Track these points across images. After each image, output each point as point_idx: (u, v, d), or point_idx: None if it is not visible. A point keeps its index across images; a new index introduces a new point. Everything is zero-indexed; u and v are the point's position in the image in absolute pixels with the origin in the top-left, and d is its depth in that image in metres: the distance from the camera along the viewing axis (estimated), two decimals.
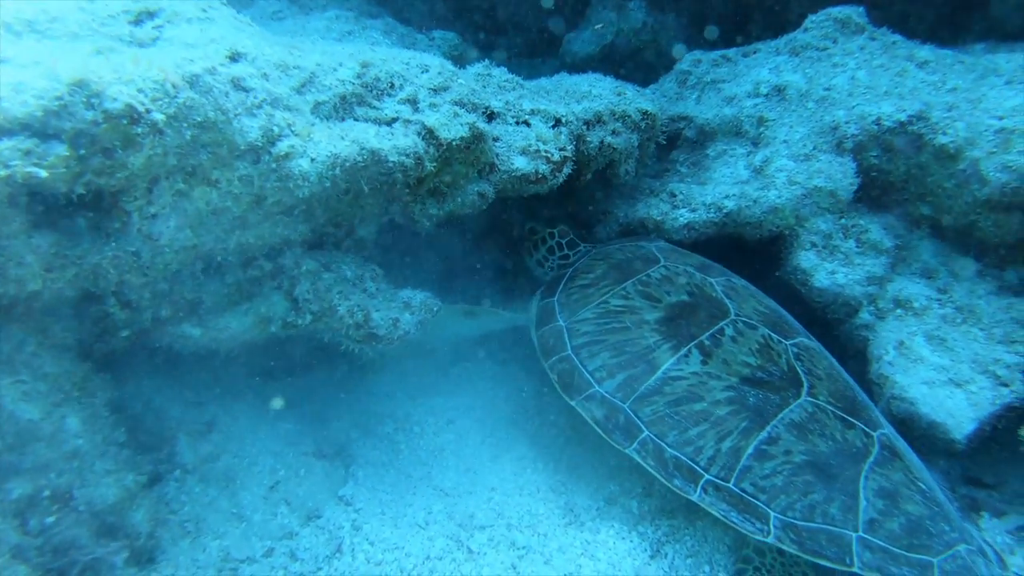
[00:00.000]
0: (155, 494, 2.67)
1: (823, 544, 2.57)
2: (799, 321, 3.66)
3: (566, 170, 3.49)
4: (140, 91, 2.06)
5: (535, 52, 6.76)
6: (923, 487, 2.74)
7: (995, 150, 3.34)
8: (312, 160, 2.46)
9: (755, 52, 4.54)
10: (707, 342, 3.09)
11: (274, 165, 2.45)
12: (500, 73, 3.76)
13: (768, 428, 2.80)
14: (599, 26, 5.73)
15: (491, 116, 3.45)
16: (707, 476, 2.76)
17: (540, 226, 4.08)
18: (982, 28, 5.02)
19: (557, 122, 3.53)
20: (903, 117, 3.57)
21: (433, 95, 3.02)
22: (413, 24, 6.11)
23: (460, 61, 5.46)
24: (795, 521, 2.62)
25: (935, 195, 3.62)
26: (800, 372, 3.01)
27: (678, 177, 4.30)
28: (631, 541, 2.89)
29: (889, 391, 3.30)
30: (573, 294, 3.52)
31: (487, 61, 3.78)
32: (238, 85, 2.40)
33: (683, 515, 3.06)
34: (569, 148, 3.47)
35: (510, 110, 3.52)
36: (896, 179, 3.74)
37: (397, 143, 2.73)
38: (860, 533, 2.57)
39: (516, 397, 3.85)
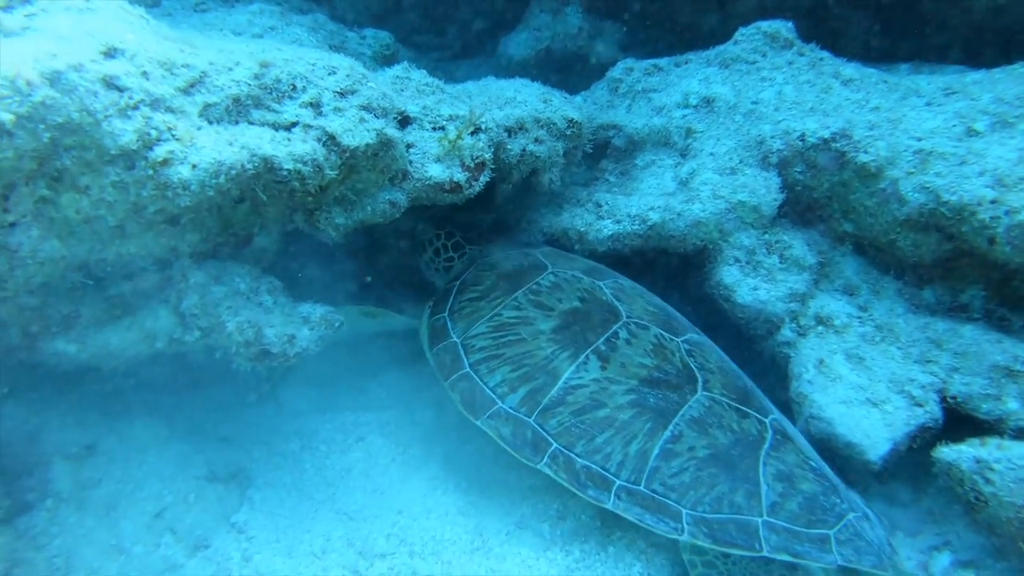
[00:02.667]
0: (16, 528, 2.46)
1: (733, 534, 2.68)
2: (726, 336, 3.63)
3: (483, 178, 3.39)
4: None
5: (473, 53, 6.65)
6: (814, 465, 2.92)
7: (913, 170, 3.35)
8: (194, 167, 2.30)
9: (687, 62, 4.50)
10: (603, 347, 3.12)
11: (151, 172, 2.28)
12: (420, 76, 3.63)
13: (671, 427, 2.88)
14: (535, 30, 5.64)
15: (406, 121, 3.32)
16: (618, 482, 2.80)
17: (428, 227, 4.03)
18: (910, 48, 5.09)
19: (476, 129, 3.42)
20: (827, 134, 3.56)
21: (339, 99, 2.87)
22: (347, 22, 5.94)
23: (392, 61, 5.33)
24: (705, 515, 2.71)
25: (857, 213, 3.62)
26: (694, 368, 3.10)
27: (606, 186, 4.23)
28: (538, 570, 2.79)
29: (808, 410, 3.28)
30: (464, 308, 3.47)
31: (406, 63, 3.65)
32: (111, 84, 2.22)
33: (595, 540, 2.98)
34: (487, 155, 3.36)
35: (427, 115, 3.39)
36: (820, 195, 3.73)
37: (293, 149, 2.58)
38: (765, 517, 2.71)
39: (432, 413, 3.72)
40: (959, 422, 3.15)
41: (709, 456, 2.83)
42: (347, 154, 2.77)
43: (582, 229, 3.91)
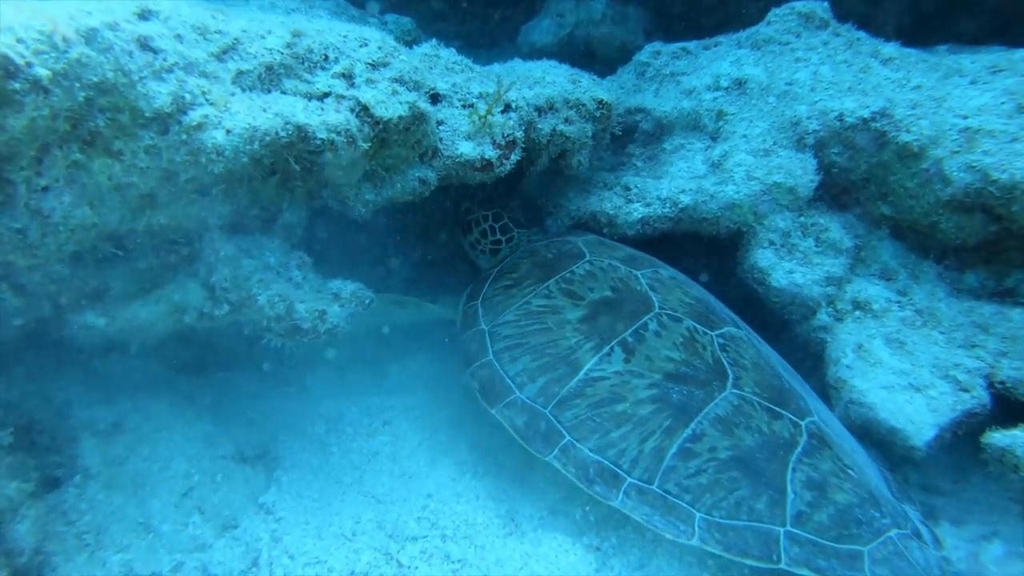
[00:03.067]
0: (47, 503, 2.40)
1: (749, 542, 2.51)
2: (756, 321, 3.55)
3: (514, 157, 3.32)
4: (20, 41, 1.82)
5: (496, 42, 6.59)
6: (852, 474, 2.68)
7: (959, 150, 3.26)
8: (228, 132, 2.24)
9: (716, 45, 4.42)
10: (630, 339, 2.99)
11: (184, 136, 2.22)
12: (448, 54, 3.57)
13: (692, 425, 2.73)
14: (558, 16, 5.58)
15: (436, 98, 3.25)
16: (629, 479, 2.66)
17: (475, 206, 3.93)
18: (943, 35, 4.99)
19: (507, 107, 3.35)
20: (866, 113, 3.48)
21: (371, 70, 2.81)
22: (368, 8, 5.89)
23: (414, 47, 5.27)
24: (720, 520, 2.55)
25: (897, 195, 3.54)
26: (726, 364, 2.93)
27: (634, 171, 4.15)
28: (575, 554, 2.72)
29: (847, 395, 3.19)
30: (496, 296, 3.39)
31: (434, 41, 3.59)
32: (145, 45, 2.17)
33: (632, 524, 2.90)
34: (518, 134, 3.30)
35: (456, 92, 3.33)
36: (857, 177, 3.65)
37: (327, 119, 2.52)
38: (788, 527, 2.52)
39: (458, 396, 3.65)
40: (1008, 409, 3.06)
41: (732, 458, 2.65)
42: (380, 126, 2.71)
43: (611, 213, 3.83)
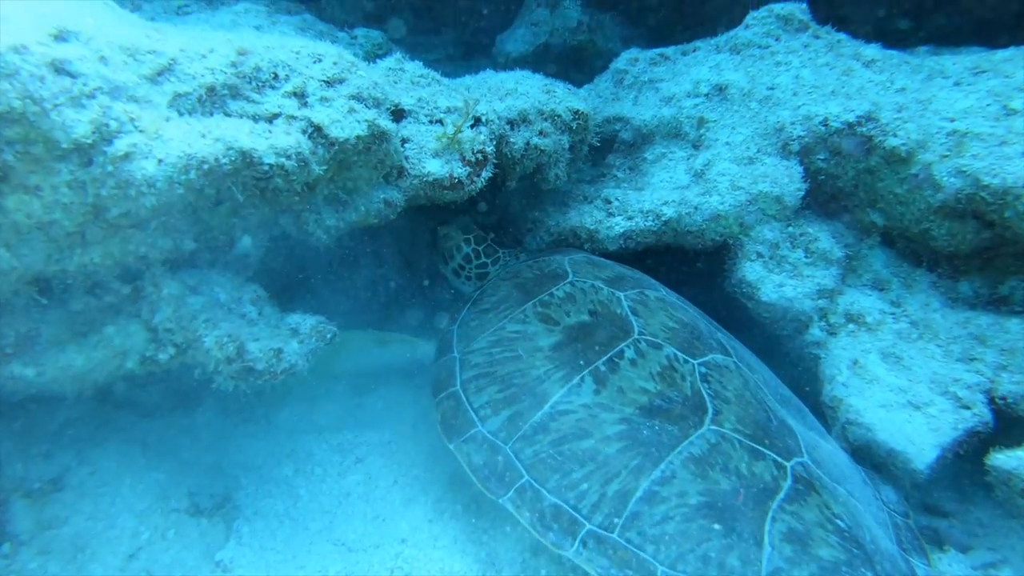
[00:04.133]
0: None
1: None
2: (746, 336, 3.33)
3: (485, 174, 3.08)
4: None
5: (470, 54, 6.36)
6: (842, 525, 2.36)
7: (948, 153, 3.05)
8: (160, 162, 1.99)
9: (695, 50, 4.21)
10: (603, 368, 2.70)
11: (110, 168, 1.96)
12: (414, 67, 3.33)
13: (662, 466, 2.41)
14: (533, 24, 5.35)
15: (400, 114, 3.02)
16: (588, 526, 2.36)
17: (454, 231, 3.67)
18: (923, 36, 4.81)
19: (477, 121, 3.11)
20: (851, 118, 3.26)
21: (326, 88, 2.56)
22: (337, 22, 5.65)
23: None
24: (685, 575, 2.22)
25: (886, 201, 3.32)
26: (705, 396, 2.61)
27: (614, 182, 3.93)
28: None
29: (844, 415, 2.97)
30: (472, 320, 3.13)
31: (399, 54, 3.35)
32: (60, 69, 1.91)
33: None
34: (489, 149, 3.06)
35: (423, 108, 3.09)
36: (845, 184, 3.43)
37: (275, 142, 2.27)
38: None
39: (435, 427, 3.39)
40: (1009, 425, 2.85)
41: (703, 504, 2.32)
42: (336, 147, 2.46)
43: (591, 227, 3.60)
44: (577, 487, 2.42)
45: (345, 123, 2.49)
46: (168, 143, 2.02)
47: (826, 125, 3.32)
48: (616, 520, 2.34)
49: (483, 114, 3.13)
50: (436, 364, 3.00)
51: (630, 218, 3.56)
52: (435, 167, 2.93)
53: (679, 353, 2.76)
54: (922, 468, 2.77)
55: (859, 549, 2.31)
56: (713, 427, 2.51)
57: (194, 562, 2.46)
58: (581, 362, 2.73)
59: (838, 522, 2.36)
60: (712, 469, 2.40)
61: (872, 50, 3.66)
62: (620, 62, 4.36)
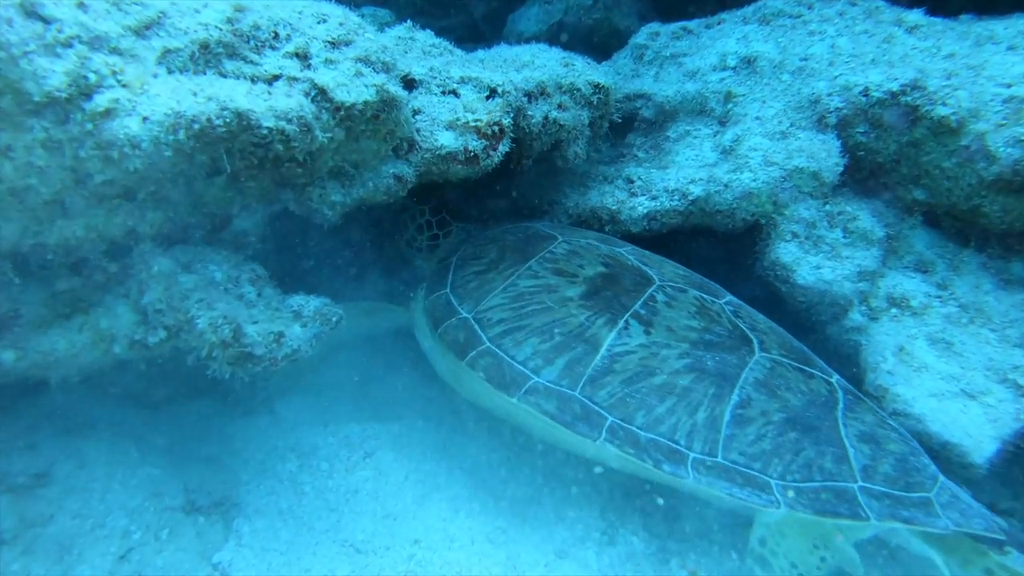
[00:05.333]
0: None
1: (833, 503, 2.32)
2: (782, 325, 3.10)
3: (502, 148, 2.85)
4: None
5: (479, 35, 6.13)
6: (893, 424, 2.59)
7: (1004, 122, 2.80)
8: (145, 120, 1.77)
9: (719, 23, 3.97)
10: (642, 311, 2.73)
11: (90, 126, 1.75)
12: (425, 36, 3.11)
13: (737, 390, 2.52)
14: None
15: (411, 84, 2.80)
16: (692, 454, 2.41)
17: (411, 202, 3.49)
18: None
19: (492, 92, 2.89)
20: (894, 86, 3.01)
21: (330, 49, 2.34)
22: (343, 0, 5.43)
23: None
24: (798, 484, 2.35)
25: (931, 177, 3.07)
26: (745, 329, 2.74)
27: (635, 162, 3.69)
28: None
29: (891, 405, 2.73)
30: (469, 283, 2.97)
31: (409, 23, 3.13)
32: (32, 12, 1.70)
33: (650, 567, 2.43)
34: (506, 121, 2.83)
35: (435, 78, 2.87)
36: (885, 159, 3.18)
37: (275, 104, 2.05)
38: (860, 483, 2.36)
39: (449, 417, 3.19)
40: None
41: (785, 420, 2.46)
42: (341, 113, 2.24)
43: (613, 208, 3.37)
44: (666, 420, 2.44)
45: (352, 87, 2.27)
46: (155, 100, 1.80)
47: (867, 95, 3.07)
48: (715, 445, 2.40)
49: (499, 85, 2.90)
50: (446, 327, 2.79)
51: (654, 198, 3.32)
52: (448, 140, 2.71)
53: (703, 295, 2.85)
54: (980, 462, 2.54)
55: (912, 442, 2.52)
56: (763, 354, 2.64)
57: (189, 564, 2.24)
58: (618, 307, 2.71)
59: (890, 422, 2.58)
60: (779, 389, 2.53)
61: (915, 15, 3.40)
62: (640, 37, 4.12)
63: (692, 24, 4.04)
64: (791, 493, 2.32)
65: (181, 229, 2.27)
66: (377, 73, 2.40)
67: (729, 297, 2.92)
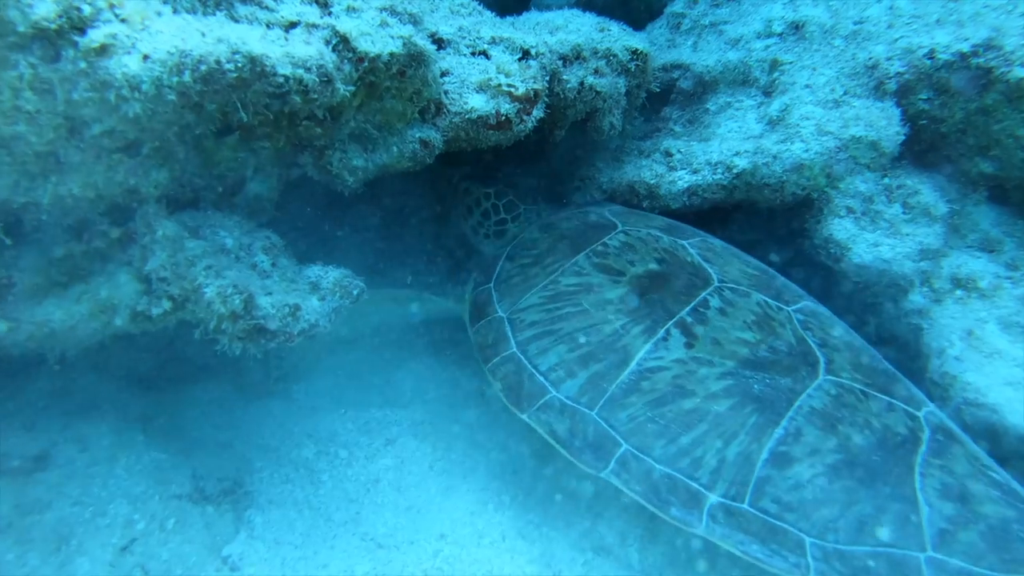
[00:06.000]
0: None
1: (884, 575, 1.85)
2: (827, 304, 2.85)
3: (536, 113, 2.62)
4: None
5: (505, 7, 5.88)
6: (997, 477, 2.06)
7: None
8: (146, 58, 1.55)
9: None
10: (689, 319, 2.36)
11: (83, 64, 1.54)
12: None
13: (784, 422, 2.09)
14: None
15: (439, 44, 2.58)
16: (713, 497, 2.02)
17: (475, 185, 3.24)
18: None
19: (525, 54, 2.66)
20: (965, 47, 2.75)
21: None
22: None
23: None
24: (840, 546, 1.90)
25: (1003, 147, 2.81)
26: (812, 344, 2.30)
27: (672, 137, 3.44)
28: None
29: (960, 395, 2.48)
30: (513, 276, 2.72)
31: None
32: None
33: (706, 561, 2.20)
34: (541, 83, 2.60)
35: (464, 38, 2.65)
36: (950, 129, 2.92)
37: (293, 50, 1.83)
38: (929, 552, 1.87)
39: (475, 404, 2.97)
40: None
41: (841, 462, 2.01)
42: (365, 64, 2.02)
43: (652, 182, 3.13)
44: (690, 453, 2.08)
45: (376, 37, 2.05)
46: (157, 37, 1.59)
47: (932, 58, 2.81)
48: (744, 488, 2.01)
49: (533, 46, 2.67)
50: (478, 327, 2.57)
51: (695, 171, 3.08)
52: (479, 102, 2.48)
53: (769, 300, 2.45)
54: None
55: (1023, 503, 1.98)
56: (829, 377, 2.20)
57: (197, 557, 2.04)
58: (661, 313, 2.37)
59: (992, 474, 2.05)
60: (840, 423, 2.08)
61: None
62: (676, 5, 3.86)
63: None
64: (828, 557, 1.88)
65: (189, 192, 2.06)
66: (404, 24, 2.18)
67: (803, 303, 2.51)
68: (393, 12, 2.17)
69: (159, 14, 1.69)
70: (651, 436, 2.11)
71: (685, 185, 3.07)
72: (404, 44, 2.11)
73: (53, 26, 1.48)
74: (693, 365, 2.23)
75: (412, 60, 2.16)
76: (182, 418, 2.50)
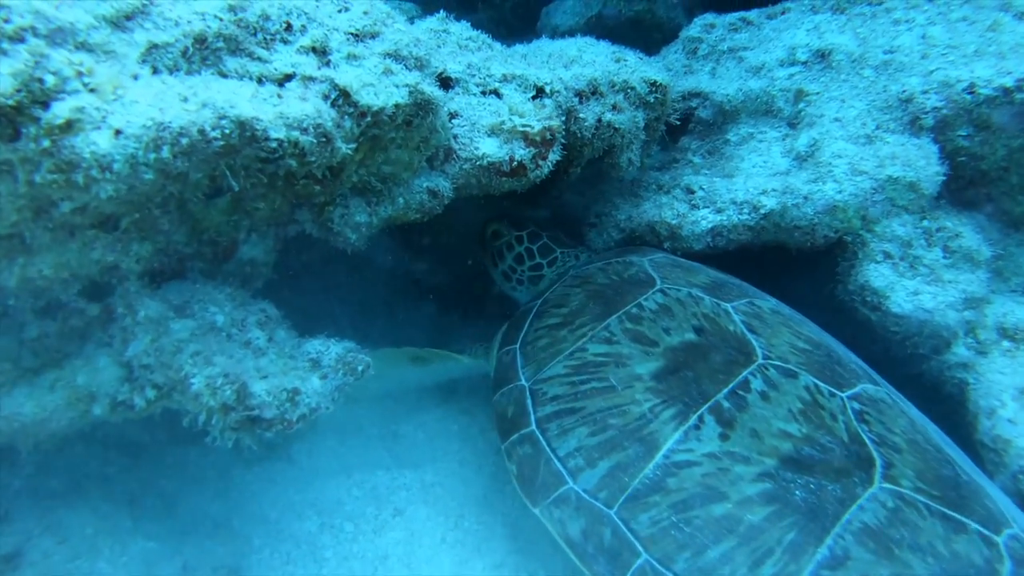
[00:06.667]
0: None
1: None
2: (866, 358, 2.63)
3: (552, 157, 2.42)
4: None
5: (511, 31, 5.68)
6: None
7: None
8: (118, 134, 1.34)
9: (784, 12, 3.48)
10: (726, 404, 2.05)
11: (47, 143, 1.33)
12: (461, 29, 2.68)
13: (829, 540, 1.77)
14: None
15: (447, 84, 2.37)
16: None
17: (505, 228, 3.01)
18: None
19: (539, 92, 2.45)
20: (1008, 82, 2.53)
21: (354, 43, 1.92)
22: None
23: None
24: None
25: None
26: (868, 442, 1.95)
27: (691, 169, 3.23)
28: None
29: (1016, 462, 2.26)
30: (541, 338, 2.46)
31: (443, 13, 2.69)
32: None
33: None
34: (557, 124, 2.39)
35: (473, 76, 2.44)
36: (991, 166, 2.71)
37: (287, 110, 1.62)
38: None
39: (491, 463, 2.76)
40: None
41: None
42: (368, 119, 1.81)
43: (673, 223, 2.91)
44: (716, 572, 1.77)
45: (380, 87, 1.84)
46: (131, 108, 1.38)
47: (972, 93, 2.59)
48: None
49: (547, 83, 2.46)
50: (499, 395, 2.34)
51: (719, 211, 2.87)
52: (491, 148, 2.27)
53: (820, 383, 2.09)
54: None
55: None
56: (887, 485, 1.85)
57: None
58: (695, 395, 2.07)
59: None
60: (898, 546, 1.73)
61: None
62: (693, 29, 3.64)
63: (752, 14, 3.56)
64: None
65: (175, 261, 1.85)
66: (409, 71, 1.97)
67: (861, 387, 2.13)
68: (397, 57, 1.96)
69: (135, 78, 1.48)
70: (674, 546, 1.84)
71: (709, 226, 2.87)
72: (410, 93, 1.90)
73: (11, 102, 1.27)
74: (727, 461, 1.94)
75: (419, 109, 1.95)
76: (174, 493, 2.29)
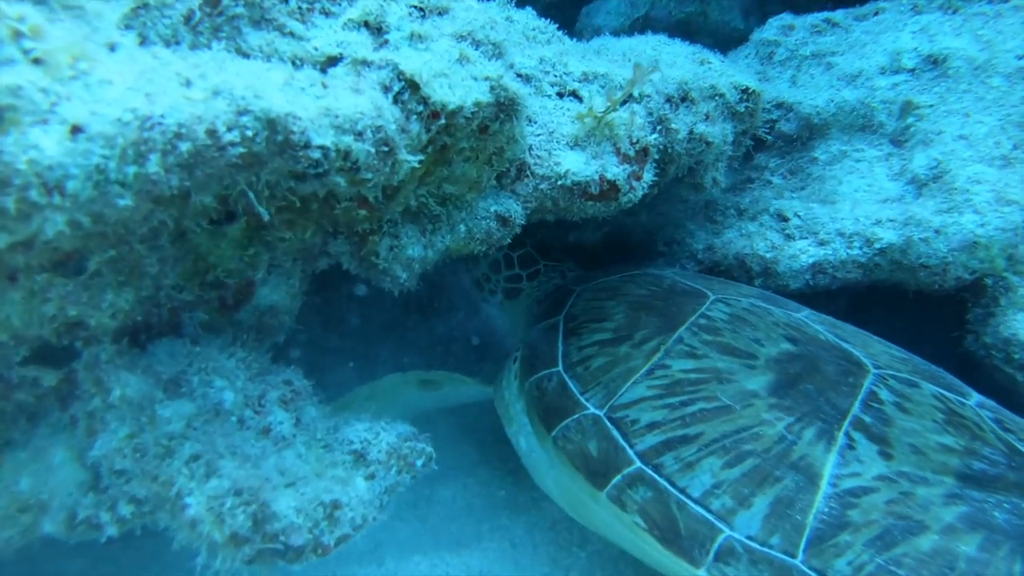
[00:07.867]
0: None
1: None
2: None
3: (648, 176, 1.90)
4: None
5: None
6: None
7: None
8: (75, 132, 0.80)
9: (876, 13, 2.98)
10: (866, 418, 1.69)
11: None
12: (525, 17, 2.13)
13: None
14: None
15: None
16: None
17: None
18: None
19: (628, 97, 1.92)
20: None
21: (418, 18, 1.39)
22: None
23: None
24: None
25: None
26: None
27: (772, 191, 2.72)
28: None
29: None
30: (592, 358, 1.96)
31: None
32: None
33: None
34: (651, 138, 1.87)
35: (547, 73, 1.92)
36: None
37: (335, 105, 1.09)
38: None
39: (547, 535, 2.23)
40: None
41: None
42: (440, 121, 1.28)
43: (768, 256, 2.39)
44: None
45: (455, 80, 1.31)
46: (99, 92, 0.84)
47: None
48: None
49: (636, 87, 1.94)
50: (564, 430, 1.80)
51: (823, 243, 2.36)
52: (576, 163, 1.74)
53: (944, 392, 1.78)
54: None
55: None
56: None
57: None
58: (828, 411, 1.69)
59: None
60: None
61: None
62: (768, 31, 3.13)
63: (838, 15, 3.05)
64: None
65: (167, 312, 1.30)
66: (489, 60, 1.44)
67: (977, 396, 1.85)
68: (473, 41, 1.44)
69: (112, 48, 0.94)
70: None
71: (810, 260, 2.35)
72: (491, 88, 1.38)
73: None
74: (906, 484, 1.57)
75: (501, 110, 1.43)
76: None
